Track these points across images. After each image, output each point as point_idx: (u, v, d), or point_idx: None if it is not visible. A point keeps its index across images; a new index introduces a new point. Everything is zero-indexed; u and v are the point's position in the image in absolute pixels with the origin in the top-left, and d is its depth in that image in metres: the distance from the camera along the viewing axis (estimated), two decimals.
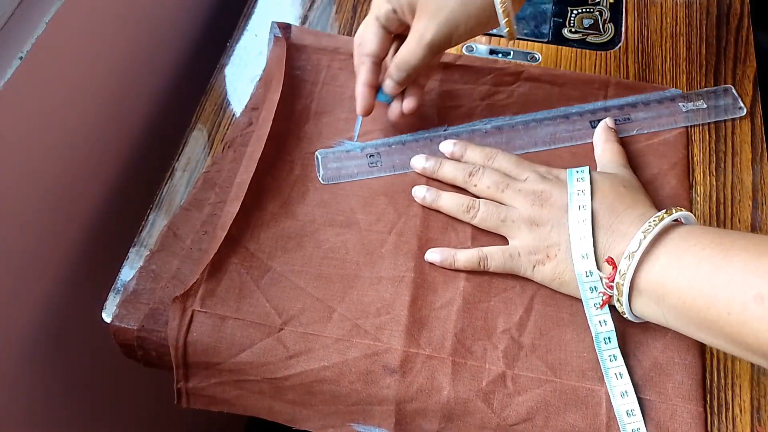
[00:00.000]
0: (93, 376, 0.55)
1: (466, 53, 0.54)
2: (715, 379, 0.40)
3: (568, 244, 0.40)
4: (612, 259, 0.39)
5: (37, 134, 0.43)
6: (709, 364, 0.40)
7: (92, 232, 0.50)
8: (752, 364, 0.40)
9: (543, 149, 0.49)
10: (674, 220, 0.38)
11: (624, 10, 0.57)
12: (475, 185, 0.45)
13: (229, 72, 0.53)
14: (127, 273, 0.44)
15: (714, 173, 0.48)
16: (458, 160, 0.47)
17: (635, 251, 0.37)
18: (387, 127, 0.49)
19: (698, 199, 0.47)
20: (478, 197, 0.45)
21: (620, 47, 0.55)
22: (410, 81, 0.45)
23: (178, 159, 0.48)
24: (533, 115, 0.50)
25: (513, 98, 0.51)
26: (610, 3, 0.57)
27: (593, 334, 0.40)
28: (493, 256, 0.42)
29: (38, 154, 0.43)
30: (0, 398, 0.44)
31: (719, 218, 0.46)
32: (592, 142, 0.49)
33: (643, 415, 0.38)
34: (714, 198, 0.47)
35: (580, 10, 0.57)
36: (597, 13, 0.57)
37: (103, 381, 0.56)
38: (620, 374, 0.39)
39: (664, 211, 0.38)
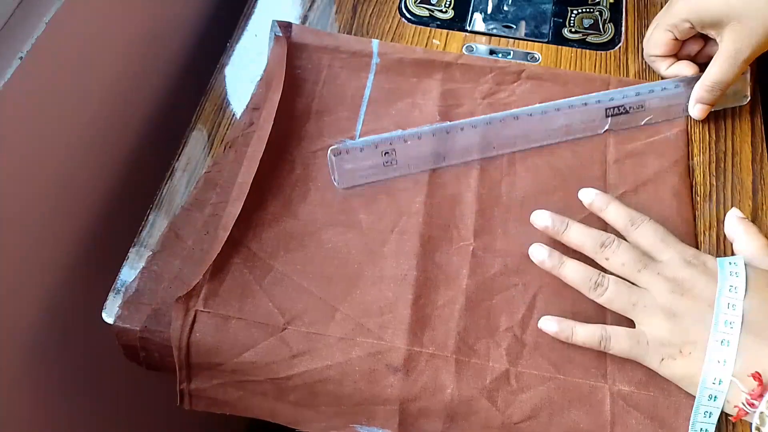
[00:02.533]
0: (93, 377, 0.54)
1: (466, 53, 0.54)
2: None
3: (706, 344, 0.36)
4: (759, 375, 0.34)
5: (36, 134, 0.42)
6: None
7: (92, 232, 0.50)
8: None
9: (556, 142, 0.48)
10: None
11: (624, 10, 0.57)
12: (608, 258, 0.40)
13: (229, 72, 0.53)
14: (128, 273, 0.43)
15: (714, 173, 0.48)
16: (596, 213, 0.44)
17: None
18: (390, 125, 0.49)
19: (698, 199, 0.47)
20: (606, 270, 0.41)
21: (620, 47, 0.55)
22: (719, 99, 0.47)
23: (178, 159, 0.48)
24: (552, 104, 0.49)
25: (514, 96, 0.51)
26: (610, 3, 0.57)
27: None
28: (618, 338, 0.38)
29: (38, 154, 0.43)
30: (0, 398, 0.44)
31: (719, 218, 0.46)
32: (601, 135, 0.49)
33: (646, 411, 0.38)
34: (714, 198, 0.47)
35: (580, 10, 0.57)
36: (597, 13, 0.57)
37: (103, 381, 0.56)
38: None
39: None
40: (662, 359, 0.37)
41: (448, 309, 0.42)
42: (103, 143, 0.50)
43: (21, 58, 0.39)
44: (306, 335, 0.40)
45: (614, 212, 0.42)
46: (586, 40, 0.55)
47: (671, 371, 0.38)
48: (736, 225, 0.43)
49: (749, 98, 0.50)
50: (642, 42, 0.54)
